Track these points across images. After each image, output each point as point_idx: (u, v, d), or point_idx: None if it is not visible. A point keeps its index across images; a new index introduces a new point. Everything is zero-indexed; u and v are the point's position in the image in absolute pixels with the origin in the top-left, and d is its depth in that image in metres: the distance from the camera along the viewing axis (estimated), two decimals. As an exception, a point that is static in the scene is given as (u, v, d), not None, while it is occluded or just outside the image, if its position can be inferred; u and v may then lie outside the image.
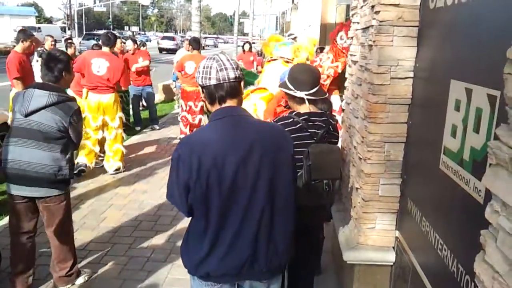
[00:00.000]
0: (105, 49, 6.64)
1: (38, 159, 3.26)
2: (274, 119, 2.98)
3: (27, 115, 3.24)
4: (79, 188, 6.11)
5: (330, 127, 2.92)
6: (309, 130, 2.82)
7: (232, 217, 1.98)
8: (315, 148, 2.73)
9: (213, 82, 2.00)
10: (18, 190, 3.33)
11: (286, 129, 2.64)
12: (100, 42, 6.84)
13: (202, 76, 2.03)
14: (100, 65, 6.39)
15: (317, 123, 2.85)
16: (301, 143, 2.68)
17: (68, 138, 3.39)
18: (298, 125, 2.80)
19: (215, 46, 60.00)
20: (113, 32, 7.45)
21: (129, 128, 9.60)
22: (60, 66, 3.40)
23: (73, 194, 5.81)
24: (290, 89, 2.90)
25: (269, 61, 5.60)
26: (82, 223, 4.98)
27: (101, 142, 6.85)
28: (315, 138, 2.81)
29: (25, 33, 7.01)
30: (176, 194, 2.00)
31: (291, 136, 2.56)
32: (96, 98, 6.47)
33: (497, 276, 1.29)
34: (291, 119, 2.83)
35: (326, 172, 2.75)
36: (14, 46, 7.39)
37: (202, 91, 2.08)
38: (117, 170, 6.78)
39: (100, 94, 6.47)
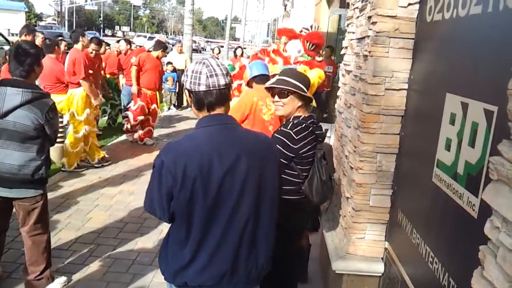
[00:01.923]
0: (76, 45, 6.71)
1: (14, 160, 3.17)
2: (283, 125, 2.90)
3: (2, 116, 3.11)
4: (65, 187, 6.03)
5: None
6: (315, 132, 2.85)
7: (215, 227, 1.94)
8: (326, 148, 2.88)
9: (203, 88, 1.94)
10: None
11: (302, 135, 2.73)
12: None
13: (191, 81, 1.95)
14: (66, 62, 6.63)
15: (318, 124, 2.90)
16: (313, 146, 2.79)
17: (45, 136, 3.29)
18: (310, 129, 2.82)
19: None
20: (79, 29, 7.46)
21: (116, 129, 9.54)
22: (30, 60, 3.27)
23: (58, 193, 5.75)
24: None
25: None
26: (66, 222, 4.90)
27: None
28: (320, 139, 2.87)
29: (28, 28, 7.30)
30: (156, 202, 1.94)
31: (306, 140, 2.72)
32: (69, 93, 6.69)
33: (496, 293, 1.29)
34: (304, 124, 2.82)
35: (331, 168, 2.92)
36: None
37: (190, 95, 2.02)
38: (101, 162, 6.99)
39: (71, 89, 6.66)
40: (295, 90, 2.81)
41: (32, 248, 3.47)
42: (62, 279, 3.69)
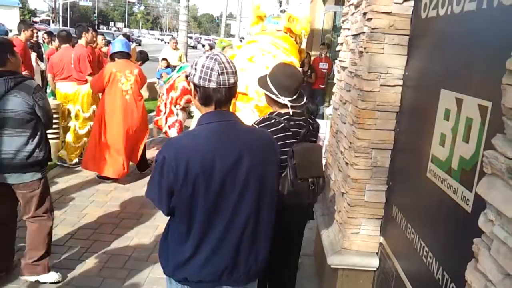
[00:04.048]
0: (80, 41, 6.76)
1: (10, 145, 3.26)
2: (257, 122, 2.91)
3: None
4: (60, 183, 6.03)
5: (310, 126, 2.93)
6: (291, 130, 2.82)
7: (217, 224, 1.95)
8: (299, 147, 2.74)
9: (213, 85, 1.91)
10: None
11: (269, 130, 2.65)
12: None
13: (201, 77, 1.92)
14: (72, 57, 6.63)
15: (298, 122, 2.85)
16: (284, 143, 2.70)
17: (38, 120, 3.38)
18: (281, 125, 2.79)
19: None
20: (87, 24, 7.46)
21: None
22: (3, 49, 3.35)
23: (54, 189, 5.73)
24: (273, 94, 2.85)
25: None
26: (62, 218, 4.90)
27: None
28: (298, 137, 2.82)
29: (25, 23, 7.56)
30: (157, 195, 1.95)
31: (275, 137, 2.56)
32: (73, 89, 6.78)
33: (489, 285, 1.30)
34: (273, 120, 2.82)
35: (311, 170, 2.78)
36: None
37: (196, 90, 1.98)
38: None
39: (76, 86, 6.74)
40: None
41: (33, 234, 3.55)
42: (56, 276, 3.71)
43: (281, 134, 2.73)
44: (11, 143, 3.27)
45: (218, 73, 1.91)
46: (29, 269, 3.59)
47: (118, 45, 6.24)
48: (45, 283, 3.63)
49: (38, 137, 3.40)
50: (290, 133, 2.80)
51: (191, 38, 66.06)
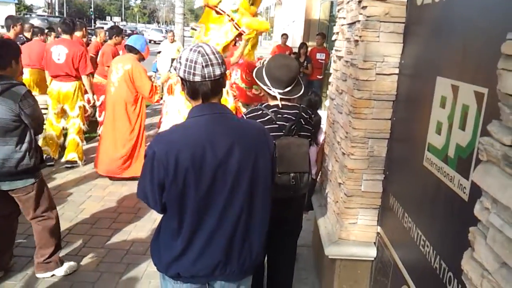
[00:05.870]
0: (65, 36, 6.53)
1: None
2: (245, 112, 2.97)
3: None
4: (58, 178, 6.01)
5: (302, 120, 2.91)
6: (278, 123, 2.83)
7: (208, 218, 1.92)
8: (283, 141, 2.76)
9: (198, 78, 1.88)
10: None
11: (254, 120, 2.69)
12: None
13: (185, 70, 1.89)
14: (60, 53, 6.31)
15: (285, 115, 2.86)
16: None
17: (25, 126, 3.25)
18: (267, 117, 2.81)
19: None
20: (72, 19, 7.28)
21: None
22: (10, 53, 3.28)
23: (51, 184, 5.72)
24: (265, 85, 2.91)
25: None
26: (60, 213, 4.81)
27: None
28: (283, 131, 2.82)
29: (13, 18, 7.35)
30: (149, 192, 1.92)
31: None
32: (58, 86, 6.43)
33: (486, 274, 1.28)
34: (260, 111, 2.84)
35: (294, 165, 2.80)
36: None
37: (183, 83, 1.96)
38: (71, 163, 6.52)
39: (61, 83, 6.42)
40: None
41: (39, 233, 3.57)
42: (71, 264, 3.81)
43: (266, 126, 2.71)
44: None
45: (202, 65, 1.87)
46: (43, 267, 3.65)
47: (131, 39, 6.14)
48: (53, 275, 3.70)
49: (27, 144, 3.27)
50: (277, 125, 2.81)
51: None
